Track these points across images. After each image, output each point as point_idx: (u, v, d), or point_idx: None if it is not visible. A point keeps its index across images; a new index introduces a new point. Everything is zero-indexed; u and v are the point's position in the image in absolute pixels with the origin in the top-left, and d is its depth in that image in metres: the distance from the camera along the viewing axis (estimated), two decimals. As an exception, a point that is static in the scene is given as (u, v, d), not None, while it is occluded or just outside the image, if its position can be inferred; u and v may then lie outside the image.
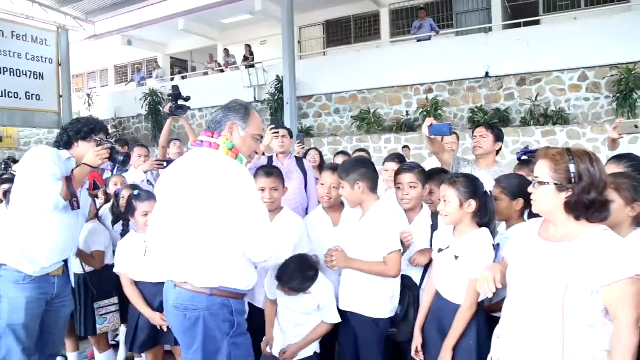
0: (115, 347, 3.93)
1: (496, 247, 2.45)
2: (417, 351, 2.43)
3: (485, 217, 2.32)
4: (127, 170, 4.69)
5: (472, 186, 2.32)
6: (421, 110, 10.57)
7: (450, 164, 3.43)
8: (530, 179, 1.82)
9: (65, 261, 2.81)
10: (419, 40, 11.99)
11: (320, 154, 5.58)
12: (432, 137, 3.25)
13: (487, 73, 10.61)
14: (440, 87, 11.11)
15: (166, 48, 18.48)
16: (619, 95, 9.24)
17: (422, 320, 2.47)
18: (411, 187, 2.77)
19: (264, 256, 2.10)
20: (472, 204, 2.30)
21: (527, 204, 2.45)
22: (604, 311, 1.68)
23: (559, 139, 9.26)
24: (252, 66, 13.87)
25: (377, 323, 2.56)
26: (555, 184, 1.71)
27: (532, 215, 2.11)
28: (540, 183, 1.75)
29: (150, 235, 2.34)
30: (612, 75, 9.47)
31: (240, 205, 2.02)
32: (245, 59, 14.73)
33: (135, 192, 3.17)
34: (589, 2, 11.70)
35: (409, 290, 2.67)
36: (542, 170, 1.76)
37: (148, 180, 4.42)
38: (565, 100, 10.02)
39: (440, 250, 2.41)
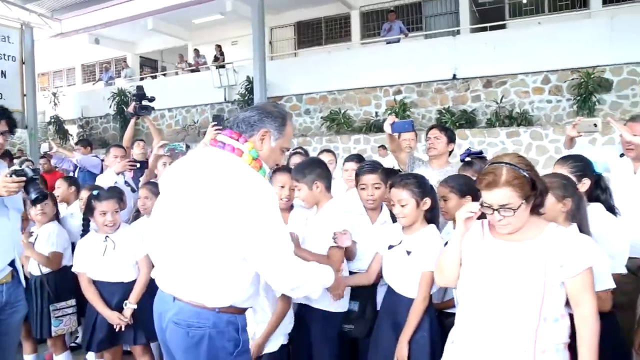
0: (75, 348, 3.87)
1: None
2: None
3: (434, 212, 2.43)
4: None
5: (423, 185, 2.41)
6: (390, 111, 10.70)
7: (407, 163, 3.51)
8: (488, 207, 1.78)
9: (15, 264, 2.67)
10: (388, 43, 12.15)
11: (306, 153, 5.09)
12: (392, 135, 3.31)
13: (454, 75, 10.81)
14: (408, 88, 11.27)
15: (135, 47, 18.22)
16: (579, 98, 9.56)
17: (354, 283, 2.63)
18: (376, 187, 2.80)
19: (286, 287, 1.87)
20: (427, 202, 2.39)
21: (475, 201, 2.56)
22: (565, 303, 1.79)
23: (522, 140, 9.50)
24: (223, 66, 13.82)
25: (329, 317, 2.59)
26: (525, 201, 1.76)
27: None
28: (513, 209, 1.74)
29: (149, 237, 2.10)
30: (573, 79, 9.79)
31: (259, 229, 1.77)
32: (216, 59, 14.65)
33: (94, 192, 3.14)
34: (552, 7, 12.05)
35: (365, 287, 2.71)
36: (507, 196, 1.73)
37: (126, 182, 4.33)
38: (529, 102, 10.30)
39: (390, 247, 2.47)
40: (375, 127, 10.93)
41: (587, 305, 1.76)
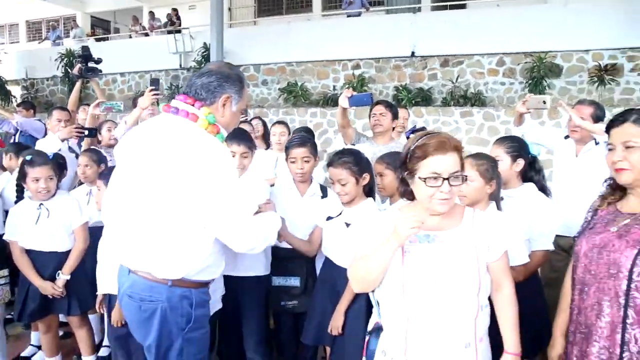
0: (9, 321, 3.73)
1: None
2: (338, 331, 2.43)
3: (371, 186, 2.47)
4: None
5: (360, 161, 2.44)
6: (348, 85, 10.66)
7: (352, 138, 3.52)
8: (434, 177, 1.60)
9: None
10: (349, 16, 12.03)
11: (264, 123, 5.01)
12: (346, 109, 3.26)
13: (413, 52, 10.84)
14: (367, 63, 11.24)
15: (86, 6, 17.31)
16: (530, 81, 9.78)
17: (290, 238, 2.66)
18: (305, 161, 2.79)
19: (245, 248, 1.85)
20: (366, 177, 2.44)
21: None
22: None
23: (475, 120, 9.69)
24: (179, 31, 13.32)
25: (257, 282, 2.66)
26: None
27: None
28: (463, 178, 1.65)
29: (104, 211, 2.01)
30: (526, 62, 9.99)
31: (218, 193, 1.73)
32: (172, 23, 14.11)
33: (27, 157, 2.98)
34: (511, -10, 12.20)
35: (305, 262, 2.74)
36: (456, 163, 1.63)
37: (69, 148, 4.10)
38: (484, 83, 10.48)
39: (329, 219, 2.49)
40: (332, 100, 10.88)
41: (508, 286, 1.77)
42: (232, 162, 1.84)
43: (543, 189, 2.58)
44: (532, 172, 2.59)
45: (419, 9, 11.96)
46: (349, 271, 1.79)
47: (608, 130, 1.70)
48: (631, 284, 1.53)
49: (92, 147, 3.92)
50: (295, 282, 2.72)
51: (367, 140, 3.57)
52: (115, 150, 2.04)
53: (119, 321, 2.56)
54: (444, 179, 1.59)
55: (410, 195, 1.74)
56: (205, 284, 1.92)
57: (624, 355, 1.53)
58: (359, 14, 12.05)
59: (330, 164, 2.46)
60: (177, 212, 1.74)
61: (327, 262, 2.52)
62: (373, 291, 1.80)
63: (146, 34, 14.88)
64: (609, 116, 7.57)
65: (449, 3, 11.76)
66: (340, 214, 2.47)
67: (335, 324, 2.37)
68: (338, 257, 2.45)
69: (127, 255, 1.87)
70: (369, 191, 2.49)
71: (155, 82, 3.49)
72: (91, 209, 3.21)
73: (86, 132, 3.79)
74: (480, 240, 1.69)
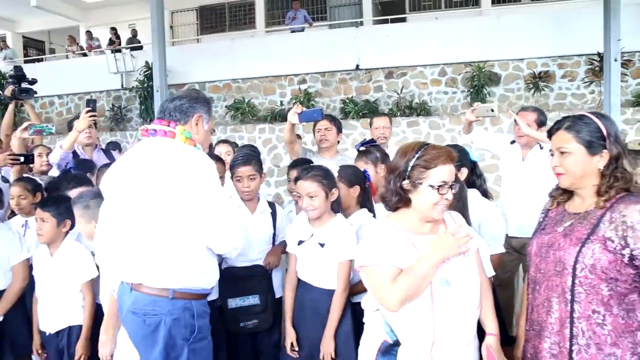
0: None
1: None
2: (292, 347, 2.40)
3: (339, 202, 2.45)
4: None
5: (330, 176, 2.42)
6: (294, 100, 10.68)
7: (299, 154, 3.52)
8: (443, 185, 1.70)
9: None
10: (293, 31, 12.08)
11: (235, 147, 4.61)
12: (295, 125, 3.27)
13: (357, 65, 11.01)
14: (313, 78, 11.31)
15: (17, 25, 16.52)
16: (472, 90, 10.15)
17: (291, 314, 2.46)
18: (251, 179, 2.76)
19: (230, 247, 2.03)
20: (334, 193, 2.40)
21: (363, 192, 2.61)
22: None
23: (422, 129, 9.91)
24: (119, 51, 12.95)
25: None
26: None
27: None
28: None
29: (97, 236, 2.15)
30: (466, 72, 10.36)
31: (205, 196, 1.92)
32: (111, 42, 13.70)
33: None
34: (448, 3, 12.67)
35: (263, 278, 2.71)
36: (453, 173, 1.77)
37: (2, 177, 3.80)
38: (428, 93, 10.77)
39: (300, 242, 2.43)
40: (280, 116, 10.85)
41: (484, 279, 1.91)
42: (213, 167, 1.99)
43: (485, 193, 2.65)
44: (474, 177, 2.67)
45: (362, 23, 12.21)
46: (389, 292, 1.69)
47: (549, 137, 1.77)
48: (575, 280, 1.60)
49: (24, 174, 3.66)
50: (254, 300, 2.67)
51: (313, 155, 3.58)
52: (102, 182, 2.15)
53: (85, 355, 2.45)
54: (450, 186, 1.72)
55: (399, 205, 1.80)
56: (204, 296, 2.05)
57: (573, 348, 1.60)
58: (302, 29, 12.14)
59: (298, 177, 2.42)
60: (172, 222, 1.90)
61: (304, 286, 2.45)
62: (377, 309, 1.81)
63: (84, 54, 14.37)
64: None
65: (389, 17, 12.06)
66: (311, 235, 2.42)
67: (327, 350, 2.27)
68: (316, 278, 2.38)
69: (129, 270, 1.97)
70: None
71: (92, 103, 3.34)
72: (29, 243, 3.00)
73: (21, 159, 3.46)
74: (476, 244, 1.85)
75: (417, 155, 1.74)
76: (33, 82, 4.34)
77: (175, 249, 1.92)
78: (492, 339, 1.84)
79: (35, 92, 4.42)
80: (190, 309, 1.95)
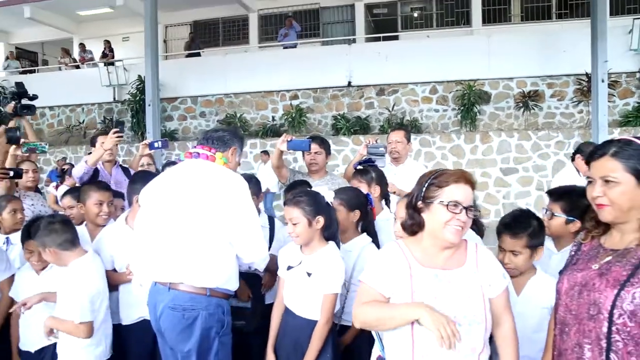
0: None
1: None
2: None
3: (331, 230, 2.35)
4: None
5: (315, 202, 2.31)
6: (286, 116, 10.72)
7: (287, 178, 3.52)
8: (455, 205, 1.66)
9: None
10: (285, 47, 12.16)
11: None
12: (283, 151, 3.42)
13: (349, 82, 11.08)
14: (305, 94, 11.37)
15: (10, 36, 16.51)
16: (462, 108, 10.23)
17: (274, 340, 2.41)
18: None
19: (257, 257, 2.35)
20: (320, 220, 2.28)
21: (364, 215, 2.58)
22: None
23: (413, 147, 9.94)
24: (112, 64, 12.96)
25: None
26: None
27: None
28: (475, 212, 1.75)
29: (137, 239, 2.41)
30: (457, 90, 10.46)
31: (241, 211, 2.24)
32: (104, 55, 13.71)
33: None
34: (440, 22, 12.83)
35: (256, 289, 2.77)
36: (471, 197, 1.71)
37: None
38: (419, 110, 10.85)
39: (289, 268, 2.38)
40: (271, 131, 10.88)
41: (509, 321, 1.76)
42: (247, 187, 2.31)
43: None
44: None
45: (354, 40, 12.31)
46: (356, 310, 1.75)
47: (588, 162, 1.61)
48: (612, 327, 1.42)
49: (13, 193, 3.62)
50: (246, 304, 2.70)
51: (302, 177, 3.60)
52: (143, 193, 2.43)
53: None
54: (464, 207, 1.65)
55: (414, 228, 1.78)
56: (229, 296, 2.35)
57: None
58: (295, 46, 12.22)
59: (285, 202, 2.40)
60: (211, 232, 2.20)
61: (289, 312, 2.40)
62: None
63: (77, 66, 14.36)
64: (535, 140, 8.02)
65: (382, 35, 12.19)
66: (300, 263, 2.37)
67: None
68: (300, 307, 2.31)
69: (169, 271, 2.21)
70: (329, 236, 2.36)
71: (120, 124, 3.49)
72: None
73: (11, 173, 3.41)
74: (484, 277, 1.72)
75: (432, 176, 1.75)
76: (34, 97, 4.32)
77: (213, 254, 2.21)
78: None
79: (36, 108, 4.41)
80: (222, 306, 2.24)
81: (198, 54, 13.17)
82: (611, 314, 1.41)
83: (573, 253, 1.69)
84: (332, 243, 2.36)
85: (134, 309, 2.65)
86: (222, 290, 2.25)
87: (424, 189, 1.74)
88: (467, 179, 1.71)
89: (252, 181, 2.80)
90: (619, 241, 1.52)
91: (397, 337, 1.69)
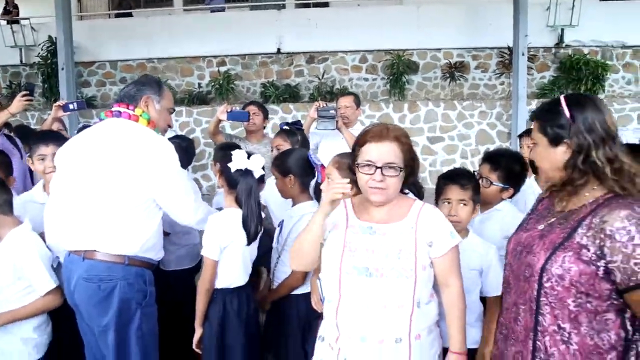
0: None
1: (280, 224, 2.47)
2: None
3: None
4: None
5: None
6: (213, 83, 10.32)
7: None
8: (368, 165, 1.64)
9: None
10: (212, 11, 11.63)
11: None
12: (221, 120, 3.52)
13: (278, 49, 10.81)
14: (233, 60, 10.97)
15: None
16: (391, 77, 10.31)
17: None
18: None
19: (189, 218, 2.27)
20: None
21: (300, 179, 2.47)
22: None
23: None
24: (17, 22, 11.79)
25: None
26: (403, 168, 1.70)
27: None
28: (398, 170, 1.66)
29: (49, 204, 2.29)
30: (386, 60, 10.49)
31: (162, 170, 2.13)
32: (7, 12, 12.43)
33: None
34: (370, -9, 12.74)
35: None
36: (393, 154, 1.67)
37: None
38: (349, 79, 10.81)
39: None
40: (198, 99, 10.45)
41: (455, 284, 1.73)
42: (173, 150, 2.21)
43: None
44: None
45: (284, 6, 11.97)
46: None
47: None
48: (541, 290, 1.42)
49: None
50: None
51: (240, 141, 3.66)
52: (58, 155, 2.28)
53: None
54: (377, 167, 1.60)
55: (357, 188, 1.73)
56: (153, 266, 2.25)
57: None
58: (223, 9, 11.71)
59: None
60: (131, 197, 2.09)
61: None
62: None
63: (-24, 25, 12.97)
64: (460, 110, 8.22)
65: (312, 1, 11.94)
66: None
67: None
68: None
69: (82, 238, 2.09)
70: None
71: (30, 86, 3.42)
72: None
73: None
74: (422, 235, 1.66)
75: (359, 136, 1.74)
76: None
77: (130, 219, 2.10)
78: (454, 357, 1.71)
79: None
80: (142, 275, 2.14)
81: (130, 14, 12.31)
82: (541, 276, 1.42)
83: (530, 211, 1.69)
84: (311, 201, 2.45)
85: None
86: (142, 259, 2.15)
87: (354, 149, 1.74)
88: (387, 135, 1.65)
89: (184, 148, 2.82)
90: (567, 204, 1.49)
91: (328, 285, 1.75)
